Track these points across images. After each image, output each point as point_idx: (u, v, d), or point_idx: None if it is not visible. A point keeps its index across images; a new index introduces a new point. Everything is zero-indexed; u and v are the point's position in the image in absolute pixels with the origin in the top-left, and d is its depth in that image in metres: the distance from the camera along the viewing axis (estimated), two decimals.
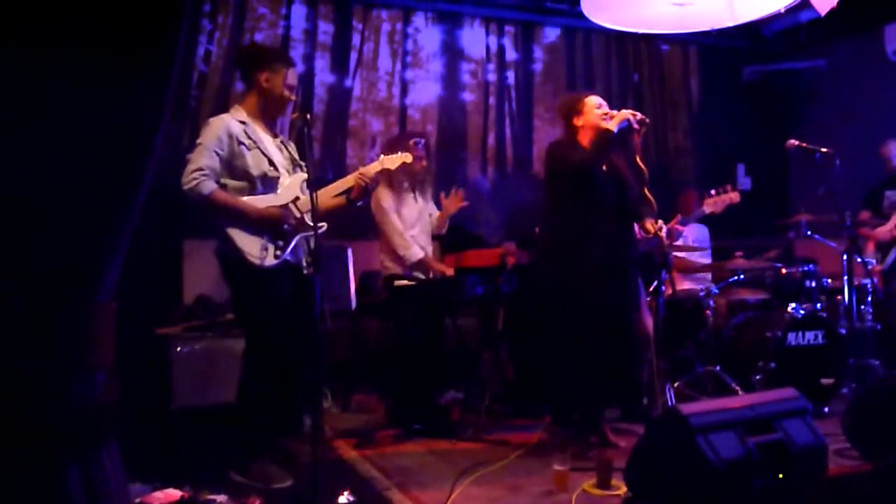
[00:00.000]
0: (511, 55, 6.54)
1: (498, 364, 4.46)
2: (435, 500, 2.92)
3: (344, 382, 4.70)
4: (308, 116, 3.05)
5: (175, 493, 2.80)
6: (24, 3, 1.18)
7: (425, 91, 6.20)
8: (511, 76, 6.52)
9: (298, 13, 5.81)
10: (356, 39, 5.99)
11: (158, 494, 2.78)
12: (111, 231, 1.36)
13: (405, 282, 4.21)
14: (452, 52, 6.31)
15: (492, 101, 6.44)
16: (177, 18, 1.33)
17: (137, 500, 2.72)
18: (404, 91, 6.13)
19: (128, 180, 1.35)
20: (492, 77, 6.45)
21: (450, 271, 4.28)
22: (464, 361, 4.62)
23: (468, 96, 6.37)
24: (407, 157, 3.62)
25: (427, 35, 6.24)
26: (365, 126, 6.02)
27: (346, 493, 2.81)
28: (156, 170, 1.40)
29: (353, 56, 5.97)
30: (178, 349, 4.30)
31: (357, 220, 4.72)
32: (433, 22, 6.26)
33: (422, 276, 4.26)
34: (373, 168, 3.48)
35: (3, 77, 1.18)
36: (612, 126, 3.50)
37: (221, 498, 2.82)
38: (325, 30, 5.93)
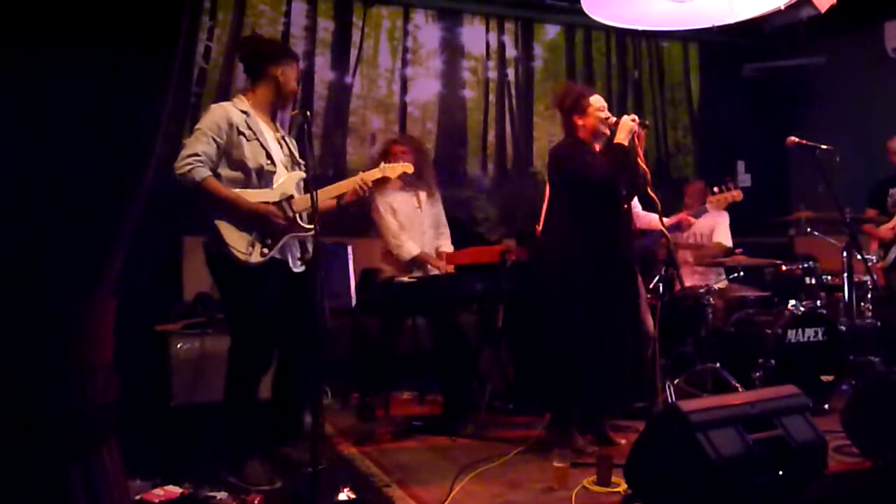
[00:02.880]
0: (511, 52, 6.54)
1: (498, 361, 4.46)
2: (435, 497, 2.92)
3: (344, 379, 4.70)
4: (308, 113, 3.02)
5: (175, 490, 2.80)
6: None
7: (425, 88, 6.21)
8: (511, 73, 6.52)
9: (298, 10, 5.82)
10: (356, 36, 6.00)
11: (158, 491, 2.78)
12: (111, 228, 1.36)
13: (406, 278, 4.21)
14: (452, 49, 6.31)
15: (492, 98, 6.44)
16: (178, 14, 1.33)
17: (138, 497, 2.72)
18: (404, 88, 6.14)
19: (128, 177, 1.35)
20: (492, 74, 6.46)
21: (448, 268, 4.26)
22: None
23: (468, 93, 6.37)
24: (408, 168, 3.50)
25: (427, 32, 6.24)
26: (365, 123, 6.02)
27: (346, 490, 2.81)
28: (156, 167, 1.40)
29: (354, 53, 5.98)
30: (178, 346, 4.29)
31: (357, 218, 4.72)
32: (433, 19, 6.27)
33: (419, 275, 4.24)
34: (372, 175, 3.34)
35: (3, 72, 1.18)
36: (624, 140, 3.53)
37: (221, 495, 2.82)
38: (325, 27, 5.94)
